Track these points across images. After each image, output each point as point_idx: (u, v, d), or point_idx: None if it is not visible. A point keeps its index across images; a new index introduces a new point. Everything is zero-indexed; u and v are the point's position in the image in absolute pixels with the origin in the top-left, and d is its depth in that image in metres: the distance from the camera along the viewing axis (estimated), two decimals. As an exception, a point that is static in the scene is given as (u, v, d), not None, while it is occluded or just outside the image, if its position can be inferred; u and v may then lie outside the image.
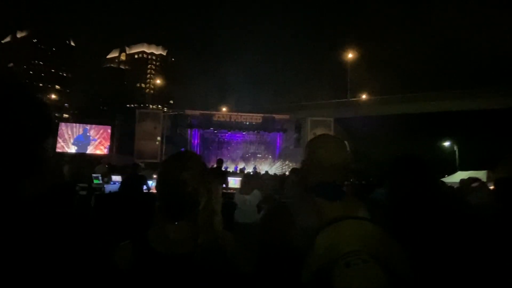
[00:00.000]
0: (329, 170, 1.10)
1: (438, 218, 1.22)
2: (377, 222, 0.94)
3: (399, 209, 1.31)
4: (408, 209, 1.28)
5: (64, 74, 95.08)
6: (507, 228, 1.35)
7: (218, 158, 8.00)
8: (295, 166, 10.88)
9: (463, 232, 1.19)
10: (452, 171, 21.16)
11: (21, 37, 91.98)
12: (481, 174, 14.22)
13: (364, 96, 31.51)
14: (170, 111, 32.82)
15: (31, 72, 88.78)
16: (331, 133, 19.66)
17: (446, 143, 28.79)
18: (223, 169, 16.53)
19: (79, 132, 22.30)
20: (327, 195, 1.05)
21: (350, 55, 33.03)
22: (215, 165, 7.49)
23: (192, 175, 0.99)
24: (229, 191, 7.84)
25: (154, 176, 7.31)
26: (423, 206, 1.27)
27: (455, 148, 26.52)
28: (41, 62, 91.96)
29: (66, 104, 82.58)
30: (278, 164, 19.51)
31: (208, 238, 0.97)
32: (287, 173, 16.35)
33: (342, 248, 0.83)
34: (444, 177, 17.86)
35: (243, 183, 5.52)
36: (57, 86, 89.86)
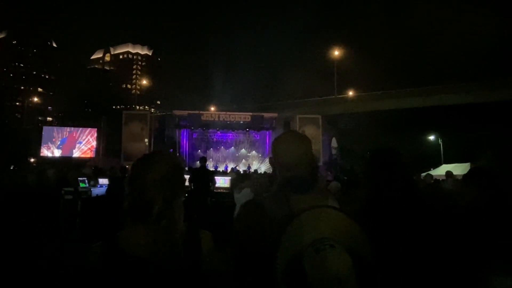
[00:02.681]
0: (295, 165, 1.14)
1: (407, 208, 1.28)
2: (345, 209, 0.98)
3: (371, 199, 1.35)
4: (380, 199, 1.32)
5: (47, 76, 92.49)
6: (472, 216, 1.42)
7: (200, 156, 7.63)
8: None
9: (429, 221, 1.24)
10: (437, 164, 21.72)
11: (0, 39, 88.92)
12: (465, 167, 14.66)
13: (351, 93, 31.90)
14: (158, 112, 32.43)
15: (11, 74, 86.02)
16: (320, 130, 19.84)
17: (431, 137, 29.50)
18: (212, 168, 16.34)
19: (64, 135, 21.77)
20: (296, 189, 1.10)
21: (336, 53, 33.33)
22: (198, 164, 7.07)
23: (153, 180, 0.99)
24: (219, 190, 7.79)
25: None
26: (394, 196, 1.31)
27: (440, 142, 27.21)
28: (21, 64, 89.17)
29: (49, 107, 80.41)
30: (267, 162, 19.57)
31: (170, 243, 0.97)
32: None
33: (311, 236, 0.88)
34: (429, 170, 18.32)
35: (233, 182, 5.59)
36: (39, 89, 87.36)
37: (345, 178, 9.96)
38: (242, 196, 5.11)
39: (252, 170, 15.88)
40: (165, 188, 1.00)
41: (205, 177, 6.57)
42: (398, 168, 1.36)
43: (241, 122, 19.44)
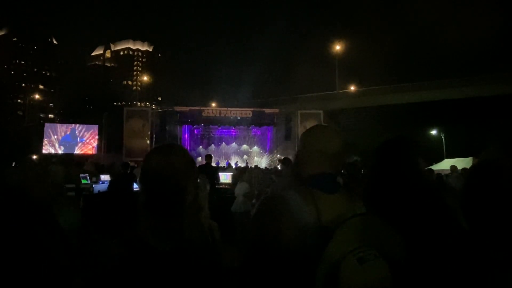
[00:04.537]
0: (325, 160, 1.07)
1: (416, 201, 1.23)
2: (374, 214, 0.94)
3: (376, 191, 1.30)
4: (385, 191, 1.27)
5: (48, 74, 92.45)
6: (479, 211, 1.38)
7: (206, 154, 7.86)
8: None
9: (438, 216, 1.20)
10: (439, 159, 21.67)
11: (0, 36, 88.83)
12: (467, 161, 14.61)
13: (352, 88, 31.75)
14: (159, 108, 32.39)
15: (12, 72, 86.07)
16: (321, 125, 19.77)
17: (433, 132, 29.40)
18: (214, 164, 16.49)
19: (65, 132, 21.83)
20: (324, 187, 1.03)
21: (338, 47, 33.11)
22: (204, 162, 7.31)
23: (178, 170, 0.96)
24: (221, 186, 7.82)
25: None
26: (401, 188, 1.25)
27: (442, 136, 27.11)
28: (22, 62, 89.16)
29: (51, 104, 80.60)
30: (269, 157, 19.58)
31: (195, 233, 0.95)
32: (278, 166, 16.40)
33: (352, 243, 0.83)
34: (432, 164, 18.28)
35: (235, 177, 5.80)
36: (40, 86, 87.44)
37: (346, 173, 9.94)
38: (239, 189, 5.33)
39: (253, 165, 15.89)
40: (191, 177, 0.98)
41: (210, 173, 6.68)
42: (405, 161, 1.30)
43: (242, 118, 19.40)
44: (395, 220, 1.13)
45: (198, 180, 1.03)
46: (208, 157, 7.19)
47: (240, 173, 6.17)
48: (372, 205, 1.21)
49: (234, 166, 15.30)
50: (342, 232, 0.87)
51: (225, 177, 8.44)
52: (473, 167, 1.71)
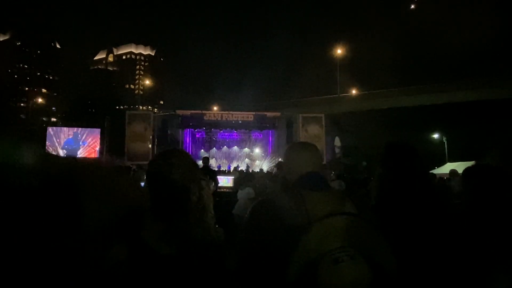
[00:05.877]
0: (309, 161, 1.13)
1: (424, 209, 1.24)
2: (364, 216, 0.94)
3: (385, 197, 1.32)
4: (395, 197, 1.29)
5: (51, 77, 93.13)
6: (474, 218, 1.39)
7: (203, 156, 7.65)
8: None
9: (447, 224, 1.21)
10: (441, 163, 21.59)
11: (4, 40, 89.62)
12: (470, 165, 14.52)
13: (354, 92, 31.76)
14: (161, 111, 32.53)
15: (15, 76, 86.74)
16: (323, 129, 19.79)
17: (435, 135, 29.31)
18: (215, 168, 16.45)
19: (68, 136, 21.96)
20: (312, 185, 1.06)
21: (339, 51, 33.19)
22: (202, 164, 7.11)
23: (181, 173, 0.98)
24: (221, 189, 7.79)
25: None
26: (410, 194, 1.27)
27: (444, 140, 27.01)
28: (25, 66, 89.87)
29: (53, 108, 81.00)
30: (270, 161, 19.58)
31: (201, 234, 0.97)
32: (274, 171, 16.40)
33: (329, 243, 0.82)
34: (434, 168, 18.22)
35: (237, 180, 5.82)
36: (43, 90, 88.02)
37: (349, 176, 9.93)
38: (245, 194, 5.31)
39: (255, 169, 15.89)
40: (194, 179, 1.00)
41: (209, 176, 6.59)
42: (417, 162, 1.33)
43: (244, 121, 19.44)
44: (402, 223, 1.14)
45: (202, 182, 1.04)
46: (205, 159, 6.90)
47: (247, 178, 6.18)
48: (384, 210, 1.23)
49: (236, 170, 15.28)
50: (322, 229, 0.87)
51: (226, 181, 8.44)
52: (467, 172, 1.71)
